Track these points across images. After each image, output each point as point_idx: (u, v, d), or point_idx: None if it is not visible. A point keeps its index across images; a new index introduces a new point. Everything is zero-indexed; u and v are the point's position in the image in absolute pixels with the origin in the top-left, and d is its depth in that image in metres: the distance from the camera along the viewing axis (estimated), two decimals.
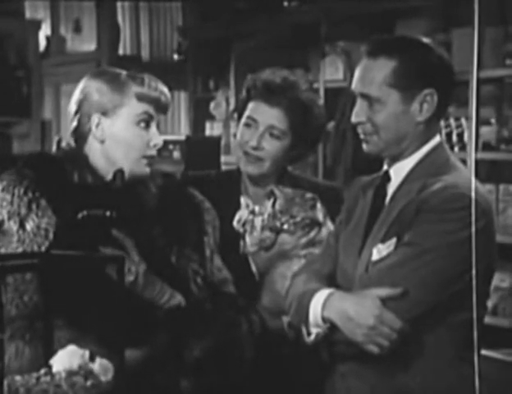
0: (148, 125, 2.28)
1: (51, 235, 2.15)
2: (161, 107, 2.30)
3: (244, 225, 2.59)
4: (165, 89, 2.31)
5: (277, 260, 2.53)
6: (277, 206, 2.56)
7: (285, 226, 2.53)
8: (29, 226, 2.15)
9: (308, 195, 2.57)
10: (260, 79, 2.66)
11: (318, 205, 2.56)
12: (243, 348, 2.26)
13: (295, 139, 2.64)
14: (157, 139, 2.29)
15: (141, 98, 2.26)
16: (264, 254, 2.54)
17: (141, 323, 2.11)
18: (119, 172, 2.21)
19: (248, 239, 2.58)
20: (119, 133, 2.27)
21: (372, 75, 2.14)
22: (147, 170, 2.29)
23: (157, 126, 2.31)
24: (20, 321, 2.09)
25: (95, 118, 2.27)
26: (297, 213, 2.54)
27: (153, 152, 2.29)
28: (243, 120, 2.66)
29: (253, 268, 2.54)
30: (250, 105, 2.65)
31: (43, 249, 2.13)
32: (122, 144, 2.26)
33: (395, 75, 2.13)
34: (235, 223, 2.59)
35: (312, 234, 2.54)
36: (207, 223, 2.38)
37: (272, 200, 2.59)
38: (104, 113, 2.27)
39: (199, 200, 2.40)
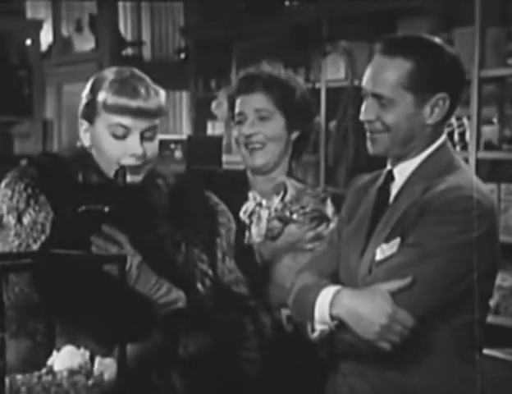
0: (125, 136, 2.20)
1: (47, 230, 2.16)
2: (143, 113, 2.19)
3: (250, 216, 2.61)
4: (151, 93, 2.20)
5: (282, 252, 2.54)
6: (288, 196, 2.58)
7: (295, 216, 2.54)
8: (25, 220, 2.17)
9: (320, 189, 2.60)
10: (237, 78, 2.75)
11: (329, 201, 2.57)
12: (246, 349, 2.26)
13: (287, 117, 2.66)
14: (135, 149, 2.20)
15: (110, 108, 2.19)
16: (270, 244, 2.55)
17: (139, 320, 2.11)
18: (121, 170, 2.19)
19: (253, 230, 2.59)
20: (97, 142, 2.24)
21: (386, 74, 2.11)
22: (138, 178, 2.22)
23: (142, 135, 2.20)
24: (8, 312, 2.09)
25: (82, 125, 2.26)
26: (307, 204, 2.55)
27: (131, 161, 2.21)
28: (235, 119, 2.72)
29: (258, 259, 2.54)
30: (236, 103, 2.72)
31: (39, 243, 2.14)
32: (101, 153, 2.23)
33: (410, 77, 2.10)
34: (241, 214, 2.60)
35: (319, 229, 2.55)
36: (220, 225, 2.35)
37: (281, 194, 2.61)
38: (89, 120, 2.25)
39: (214, 202, 2.37)
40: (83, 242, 2.07)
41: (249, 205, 2.62)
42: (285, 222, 2.55)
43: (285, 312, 2.27)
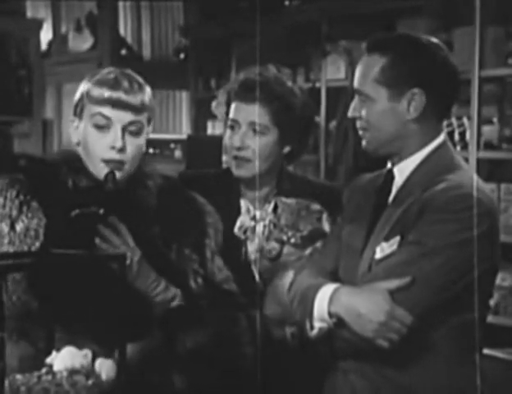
0: (107, 128, 2.22)
1: (41, 236, 2.17)
2: (125, 106, 2.22)
3: (245, 232, 2.57)
4: (134, 87, 2.23)
5: (281, 269, 2.51)
6: (283, 220, 2.53)
7: (292, 240, 2.51)
8: (18, 227, 2.18)
9: (314, 207, 2.53)
10: (238, 80, 2.63)
11: (324, 216, 2.52)
12: (242, 344, 2.28)
13: (282, 133, 2.59)
14: (115, 141, 2.21)
15: (91, 99, 2.23)
16: (269, 264, 2.52)
17: (139, 319, 2.11)
18: (110, 174, 2.20)
19: (249, 246, 2.56)
20: (83, 136, 2.25)
21: (364, 71, 2.16)
22: (120, 174, 2.23)
23: (124, 129, 2.22)
24: (8, 322, 2.09)
25: (74, 122, 2.28)
26: (304, 228, 2.51)
27: (112, 155, 2.22)
28: (228, 123, 2.64)
29: (256, 277, 2.53)
30: (231, 107, 2.62)
31: (33, 249, 2.15)
32: (87, 149, 2.24)
33: (383, 71, 2.13)
34: (236, 230, 2.57)
35: (317, 244, 2.51)
36: (208, 226, 2.36)
37: (272, 205, 2.57)
38: (79, 116, 2.26)
39: (201, 203, 2.38)
40: (78, 246, 2.07)
41: (243, 220, 2.58)
42: (283, 243, 2.53)
43: (289, 330, 2.25)
